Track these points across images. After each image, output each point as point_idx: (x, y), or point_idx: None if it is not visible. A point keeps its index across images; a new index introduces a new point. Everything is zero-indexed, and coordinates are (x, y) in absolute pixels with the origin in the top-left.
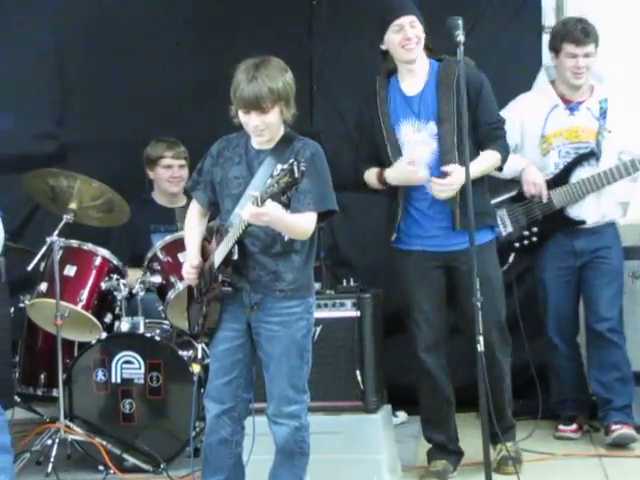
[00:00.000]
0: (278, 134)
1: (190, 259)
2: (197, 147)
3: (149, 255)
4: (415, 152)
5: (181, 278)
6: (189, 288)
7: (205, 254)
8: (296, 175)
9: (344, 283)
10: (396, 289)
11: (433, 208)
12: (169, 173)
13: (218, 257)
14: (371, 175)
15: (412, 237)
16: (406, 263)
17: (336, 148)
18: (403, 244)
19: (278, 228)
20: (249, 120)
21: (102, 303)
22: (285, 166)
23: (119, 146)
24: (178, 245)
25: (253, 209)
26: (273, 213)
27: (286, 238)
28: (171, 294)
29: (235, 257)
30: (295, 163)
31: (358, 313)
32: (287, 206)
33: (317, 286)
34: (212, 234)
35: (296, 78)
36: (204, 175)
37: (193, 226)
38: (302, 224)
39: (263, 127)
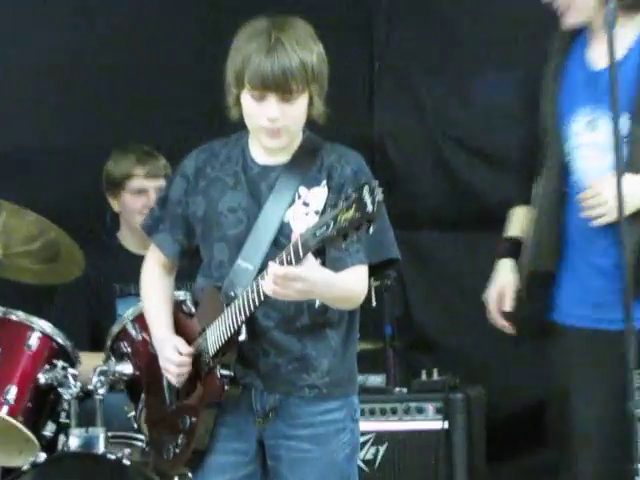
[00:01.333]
0: (297, 140)
1: (170, 344)
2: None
3: (114, 331)
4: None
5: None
6: (149, 383)
7: (185, 334)
8: (369, 208)
9: (423, 376)
10: (517, 386)
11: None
12: (141, 202)
13: (214, 338)
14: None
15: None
16: (560, 345)
17: (411, 161)
18: (557, 315)
19: (319, 298)
20: (264, 109)
21: (40, 406)
22: (349, 193)
23: (67, 159)
24: None
25: (281, 270)
26: (314, 276)
27: (317, 304)
28: None
29: (243, 337)
30: (367, 188)
31: (446, 424)
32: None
33: (380, 380)
34: (180, 303)
35: (346, 48)
36: (171, 207)
37: (158, 290)
38: (354, 287)
39: (283, 122)
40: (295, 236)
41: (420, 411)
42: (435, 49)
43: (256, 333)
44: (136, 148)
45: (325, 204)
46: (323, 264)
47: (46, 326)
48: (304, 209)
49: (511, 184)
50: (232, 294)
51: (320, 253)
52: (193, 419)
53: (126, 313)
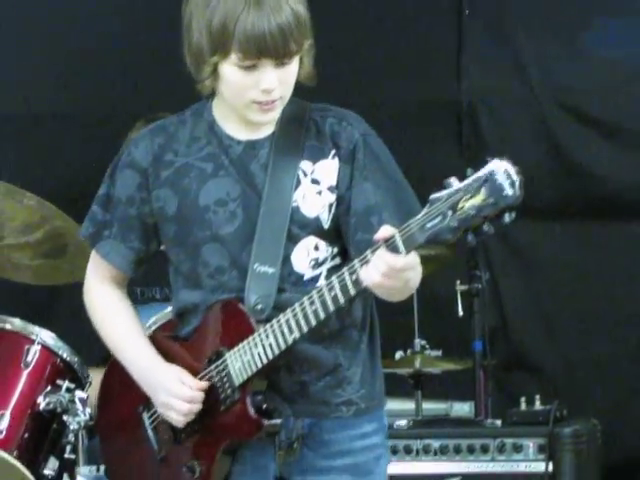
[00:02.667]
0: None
1: (172, 376)
2: None
3: None
4: None
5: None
6: (109, 434)
7: (178, 362)
8: (507, 192)
9: (522, 405)
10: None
11: None
12: None
13: (241, 365)
14: None
15: None
16: None
17: (508, 134)
18: None
19: (408, 286)
20: (255, 79)
21: (39, 437)
22: (471, 172)
23: (81, 129)
24: None
25: (399, 262)
26: (415, 258)
27: (341, 301)
28: None
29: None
30: (500, 167)
31: (550, 466)
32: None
33: (468, 409)
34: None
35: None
36: (119, 208)
37: (125, 313)
38: (419, 269)
39: (280, 92)
40: (389, 231)
41: (518, 449)
42: None
43: None
44: (159, 118)
45: (338, 178)
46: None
47: (48, 337)
48: (315, 187)
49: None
50: (260, 307)
51: None
52: (204, 466)
53: (149, 322)
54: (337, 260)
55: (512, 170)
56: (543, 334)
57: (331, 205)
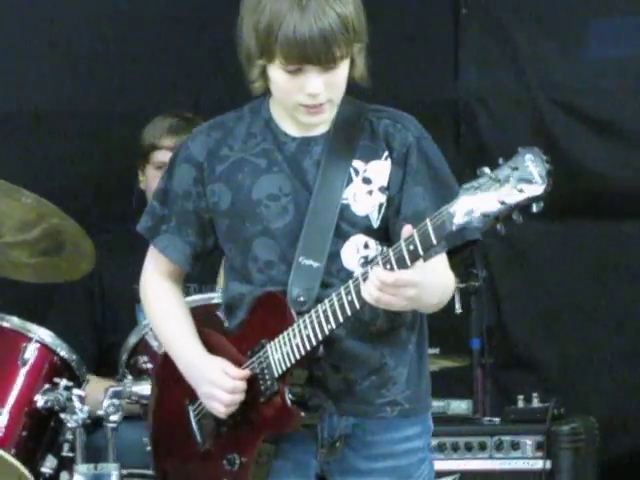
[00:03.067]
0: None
1: (216, 367)
2: None
3: (131, 343)
4: None
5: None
6: (162, 419)
7: (222, 354)
8: (537, 180)
9: (520, 403)
10: (637, 416)
11: None
12: None
13: (280, 356)
14: None
15: None
16: None
17: (506, 131)
18: None
19: (431, 297)
20: (301, 84)
21: (37, 435)
22: (501, 162)
23: (79, 124)
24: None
25: (390, 277)
26: (425, 279)
27: None
28: None
29: (321, 351)
30: (529, 154)
31: (548, 464)
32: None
33: (466, 407)
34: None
35: None
36: (177, 202)
37: (177, 309)
38: (449, 281)
39: (327, 96)
40: (408, 229)
41: (516, 447)
42: None
43: (325, 345)
44: (176, 114)
45: (390, 179)
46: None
47: (46, 335)
48: (366, 187)
49: (634, 161)
50: (302, 299)
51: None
52: (244, 459)
53: (145, 320)
54: None
55: (541, 159)
56: (541, 332)
57: (381, 205)
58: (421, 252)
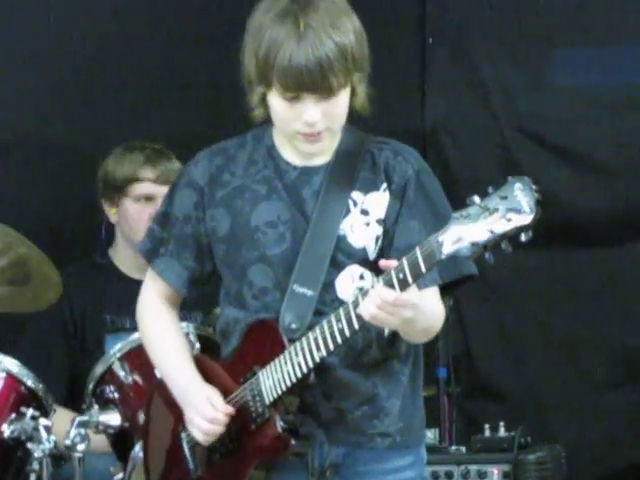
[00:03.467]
0: (337, 135)
1: (202, 394)
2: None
3: (97, 372)
4: None
5: None
6: (154, 443)
7: (216, 381)
8: (525, 209)
9: (486, 432)
10: (603, 444)
11: None
12: (147, 211)
13: (272, 383)
14: None
15: None
16: None
17: (472, 161)
18: None
19: (422, 323)
20: (299, 112)
21: (4, 464)
22: (490, 190)
23: (47, 155)
24: None
25: (391, 295)
26: (421, 302)
27: (386, 333)
28: (140, 448)
29: (312, 378)
30: (518, 184)
31: None
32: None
33: (432, 436)
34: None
35: (390, 17)
36: (176, 226)
37: (172, 332)
38: (439, 312)
39: (325, 124)
40: (391, 263)
41: (482, 476)
42: (502, 17)
43: (317, 372)
44: (145, 145)
45: (387, 211)
46: None
47: (12, 365)
48: (363, 218)
49: (601, 189)
50: (294, 326)
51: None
52: None
53: (112, 349)
54: None
55: (530, 188)
56: (507, 361)
57: (378, 237)
58: (410, 280)
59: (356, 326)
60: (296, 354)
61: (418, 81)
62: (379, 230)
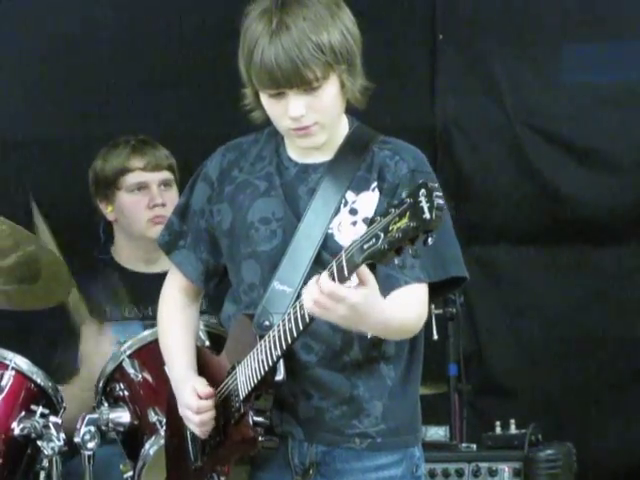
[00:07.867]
0: (339, 131)
1: (188, 386)
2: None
3: (108, 370)
4: None
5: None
6: (170, 436)
7: (212, 374)
8: (426, 215)
9: (497, 429)
10: (615, 442)
11: None
12: (143, 200)
13: (244, 378)
14: None
15: None
16: None
17: (483, 157)
18: None
19: (366, 325)
20: (283, 108)
21: (13, 463)
22: (403, 196)
23: (52, 154)
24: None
25: (329, 286)
26: (364, 298)
27: (369, 335)
28: (150, 446)
29: (281, 377)
30: (424, 190)
31: None
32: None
33: (443, 433)
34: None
35: (401, 15)
36: (193, 219)
37: (179, 323)
38: (407, 312)
39: (312, 118)
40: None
41: (493, 473)
42: (512, 14)
43: (295, 371)
44: (129, 138)
45: (376, 211)
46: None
47: (22, 363)
48: (351, 218)
49: (612, 186)
50: (267, 323)
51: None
52: (222, 478)
53: (123, 347)
54: None
55: (434, 193)
56: (518, 358)
57: None
58: (346, 273)
59: (302, 326)
60: (261, 352)
61: (429, 79)
62: (364, 229)
